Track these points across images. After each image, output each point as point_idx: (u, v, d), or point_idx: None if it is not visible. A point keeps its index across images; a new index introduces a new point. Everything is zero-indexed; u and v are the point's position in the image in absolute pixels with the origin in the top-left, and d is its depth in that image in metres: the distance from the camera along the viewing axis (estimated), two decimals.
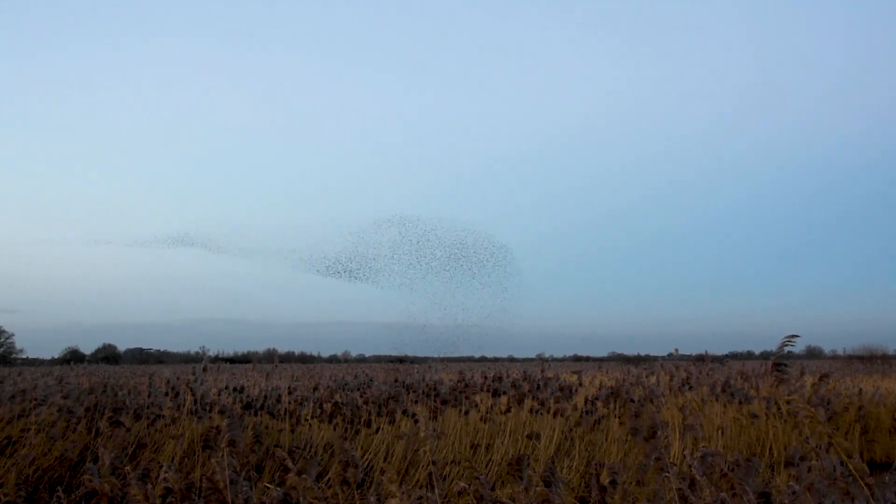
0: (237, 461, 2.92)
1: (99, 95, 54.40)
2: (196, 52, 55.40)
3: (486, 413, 6.08)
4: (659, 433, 2.39)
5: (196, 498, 2.74)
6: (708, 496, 2.23)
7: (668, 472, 2.29)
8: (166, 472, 2.79)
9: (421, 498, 2.22)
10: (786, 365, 4.69)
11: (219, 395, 7.13)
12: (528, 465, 2.69)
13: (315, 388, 7.76)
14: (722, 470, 2.57)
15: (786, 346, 4.69)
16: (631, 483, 3.45)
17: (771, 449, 5.56)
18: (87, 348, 53.44)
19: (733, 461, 2.53)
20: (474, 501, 2.44)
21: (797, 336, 4.65)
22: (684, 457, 2.72)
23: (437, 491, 2.36)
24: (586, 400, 6.72)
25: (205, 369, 5.26)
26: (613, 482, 2.48)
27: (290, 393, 7.37)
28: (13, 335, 48.01)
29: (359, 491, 3.37)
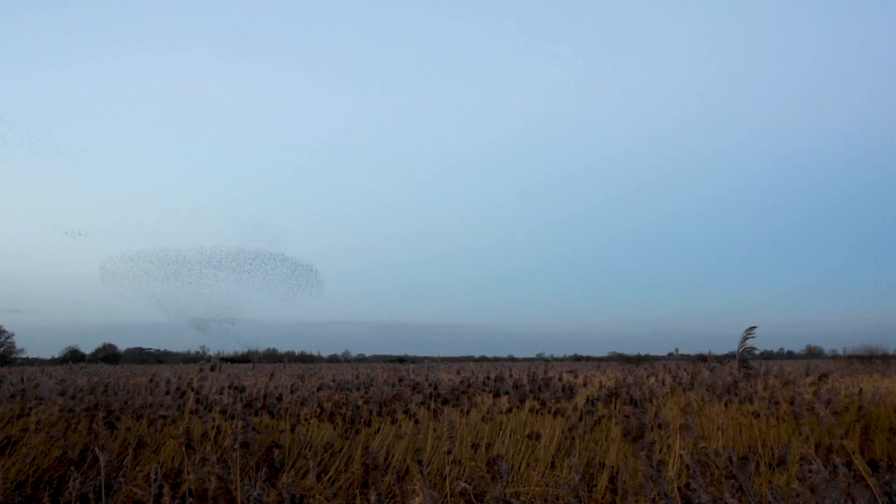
0: (232, 461, 2.92)
1: (92, 98, 54.46)
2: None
3: (487, 413, 6.08)
4: (647, 434, 2.38)
5: (193, 498, 2.74)
6: (705, 496, 2.23)
7: (658, 473, 2.28)
8: (168, 471, 2.79)
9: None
10: (748, 360, 4.73)
11: (220, 394, 7.12)
12: (503, 462, 2.70)
13: (319, 388, 7.76)
14: (723, 471, 2.57)
15: (747, 338, 4.74)
16: (630, 483, 3.44)
17: (772, 449, 5.55)
18: (87, 348, 53.39)
19: (727, 458, 2.53)
20: (475, 500, 2.45)
21: (755, 327, 4.73)
22: (681, 457, 2.72)
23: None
24: (587, 400, 6.71)
25: (213, 368, 5.24)
26: (612, 482, 2.49)
27: (292, 392, 7.36)
28: (13, 335, 48.01)
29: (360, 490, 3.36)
